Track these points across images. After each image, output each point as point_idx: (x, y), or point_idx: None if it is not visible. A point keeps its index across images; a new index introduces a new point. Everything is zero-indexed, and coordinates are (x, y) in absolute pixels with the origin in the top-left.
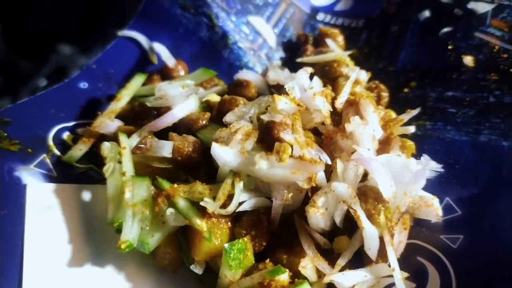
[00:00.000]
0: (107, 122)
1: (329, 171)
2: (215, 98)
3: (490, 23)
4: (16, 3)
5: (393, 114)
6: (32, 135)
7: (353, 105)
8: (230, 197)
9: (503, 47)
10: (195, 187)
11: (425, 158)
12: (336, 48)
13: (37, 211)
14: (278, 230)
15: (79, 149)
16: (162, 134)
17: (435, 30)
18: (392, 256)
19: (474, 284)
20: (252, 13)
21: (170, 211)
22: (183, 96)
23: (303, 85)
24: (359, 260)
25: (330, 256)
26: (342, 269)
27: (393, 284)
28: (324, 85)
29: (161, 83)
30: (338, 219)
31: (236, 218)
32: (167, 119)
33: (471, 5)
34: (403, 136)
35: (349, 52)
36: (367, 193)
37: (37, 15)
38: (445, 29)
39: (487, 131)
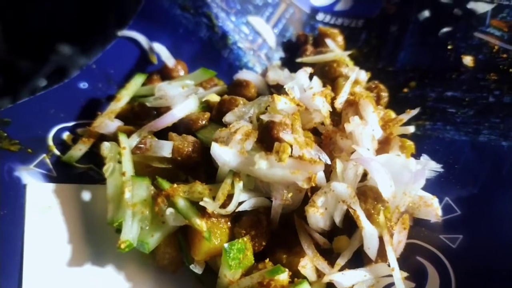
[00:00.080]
0: (107, 122)
1: (329, 171)
2: (214, 98)
3: (490, 23)
4: (16, 3)
5: (392, 114)
6: (32, 135)
7: (352, 105)
8: (229, 197)
9: (503, 47)
10: (195, 187)
11: (424, 158)
12: (335, 48)
13: (37, 211)
14: (277, 230)
15: (79, 149)
16: (162, 134)
17: (434, 30)
18: (392, 256)
19: (473, 283)
20: (252, 13)
21: (169, 211)
22: (182, 96)
23: (303, 85)
24: (359, 259)
25: (330, 255)
26: (341, 269)
27: (393, 283)
28: (324, 85)
29: (161, 83)
30: (337, 219)
31: (236, 218)
32: (167, 119)
33: (471, 5)
34: (403, 136)
35: (348, 52)
36: (366, 193)
37: (37, 15)
38: (445, 29)
39: (487, 131)
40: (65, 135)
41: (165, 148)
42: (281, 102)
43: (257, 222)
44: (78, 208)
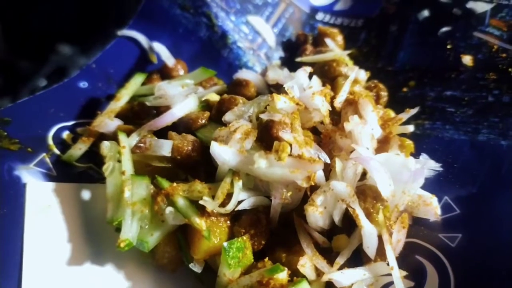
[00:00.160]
0: (107, 121)
1: (328, 170)
2: (214, 97)
3: (489, 22)
4: (16, 3)
5: (392, 113)
6: (32, 134)
7: (352, 104)
8: (229, 196)
9: (502, 47)
10: (194, 186)
11: (423, 157)
12: (335, 48)
13: (37, 210)
14: (277, 228)
15: (79, 148)
16: (162, 133)
17: (434, 29)
18: (391, 255)
19: (473, 282)
20: (252, 12)
21: (169, 210)
22: (182, 95)
23: (302, 85)
24: (358, 258)
25: (329, 254)
26: (340, 268)
27: (392, 282)
28: (323, 85)
29: (161, 83)
30: (337, 218)
31: (235, 217)
32: (167, 118)
33: (470, 5)
34: (402, 135)
35: (348, 52)
36: (365, 192)
37: (37, 15)
38: (444, 29)
39: (486, 130)
40: (65, 134)
41: (165, 147)
42: (280, 101)
43: (257, 221)
44: (78, 207)
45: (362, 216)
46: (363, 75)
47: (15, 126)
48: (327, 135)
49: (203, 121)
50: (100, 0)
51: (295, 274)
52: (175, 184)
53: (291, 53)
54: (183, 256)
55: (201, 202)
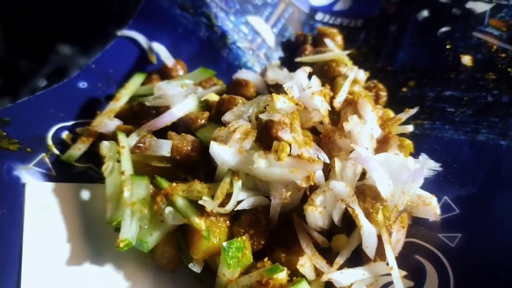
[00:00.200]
0: (106, 121)
1: (328, 170)
2: (214, 97)
3: (488, 22)
4: (16, 3)
5: (391, 113)
6: (31, 134)
7: (351, 104)
8: (228, 196)
9: (501, 47)
10: (194, 186)
11: (423, 157)
12: (334, 48)
13: (36, 210)
14: (276, 228)
15: (78, 148)
16: (161, 133)
17: (433, 29)
18: (390, 255)
19: (472, 282)
20: (251, 13)
21: (168, 210)
22: (182, 95)
23: (302, 85)
24: (357, 258)
25: (329, 254)
26: (340, 268)
27: (391, 282)
28: (323, 85)
29: (160, 83)
30: (336, 218)
31: (235, 216)
32: (166, 118)
33: (469, 5)
34: (401, 135)
35: (347, 52)
36: (365, 191)
37: (37, 15)
38: (444, 29)
39: (485, 130)
40: (65, 135)
41: (164, 147)
42: (280, 101)
43: (256, 221)
44: (77, 207)
45: (361, 216)
46: (362, 75)
47: (15, 126)
48: (327, 135)
49: (203, 121)
50: (100, 0)
51: (295, 274)
52: (174, 184)
53: (291, 53)
54: (183, 256)
55: (200, 202)
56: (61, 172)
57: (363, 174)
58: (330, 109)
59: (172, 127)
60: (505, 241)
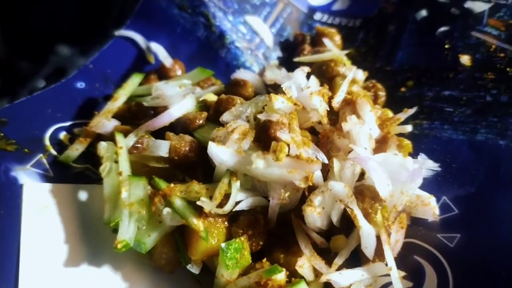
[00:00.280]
0: (104, 121)
1: (326, 170)
2: (212, 97)
3: (487, 22)
4: (16, 4)
5: (390, 113)
6: (29, 135)
7: (350, 104)
8: (227, 196)
9: (500, 46)
10: (192, 187)
11: (422, 157)
12: (333, 48)
13: (34, 211)
14: (275, 229)
15: (76, 149)
16: (159, 134)
17: (432, 29)
18: (389, 255)
19: (471, 282)
20: (249, 12)
21: (166, 210)
22: (180, 95)
23: (300, 85)
24: (356, 259)
25: (327, 255)
26: (339, 268)
27: (390, 283)
28: (321, 85)
29: (158, 83)
30: (335, 218)
31: (233, 217)
32: (164, 119)
33: (468, 4)
34: (400, 135)
35: (346, 52)
36: (364, 192)
37: (37, 15)
38: (442, 29)
39: (484, 130)
40: (62, 135)
41: (162, 148)
42: (278, 101)
43: (255, 221)
44: (75, 208)
45: (360, 217)
46: (361, 75)
47: (12, 126)
48: (325, 135)
49: (201, 122)
50: (100, 0)
51: (293, 275)
52: (172, 184)
53: (289, 53)
54: (181, 257)
55: (198, 203)
56: (59, 173)
57: (362, 175)
58: (328, 109)
59: (170, 127)
60: (504, 241)
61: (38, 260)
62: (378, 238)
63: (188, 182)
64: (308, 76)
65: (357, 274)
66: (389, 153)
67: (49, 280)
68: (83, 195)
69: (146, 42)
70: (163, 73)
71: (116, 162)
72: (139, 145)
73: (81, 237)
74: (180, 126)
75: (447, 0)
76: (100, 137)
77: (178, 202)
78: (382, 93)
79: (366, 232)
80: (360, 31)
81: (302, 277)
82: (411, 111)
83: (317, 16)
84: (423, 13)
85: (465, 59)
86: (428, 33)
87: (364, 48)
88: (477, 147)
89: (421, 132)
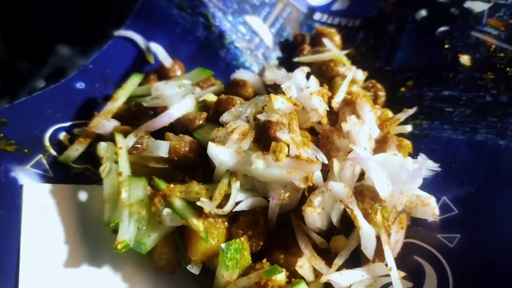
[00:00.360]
0: (104, 122)
1: (326, 171)
2: (211, 97)
3: (487, 22)
4: (16, 4)
5: (389, 114)
6: (29, 135)
7: (349, 104)
8: (226, 197)
9: (500, 46)
10: (192, 187)
11: (421, 157)
12: (333, 48)
13: (34, 211)
14: (275, 229)
15: (76, 149)
16: (159, 134)
17: (431, 29)
18: (389, 255)
19: (471, 283)
20: (249, 12)
21: (166, 211)
22: (179, 96)
23: (300, 85)
24: (356, 259)
25: (327, 255)
26: (339, 269)
27: (390, 283)
28: (321, 85)
29: (158, 83)
30: (335, 219)
31: (233, 218)
32: (164, 119)
33: (468, 4)
34: (400, 135)
35: (346, 52)
36: (363, 192)
37: (37, 15)
38: (442, 28)
39: (484, 130)
40: (62, 135)
41: (162, 148)
42: (278, 101)
43: (254, 222)
44: (75, 209)
45: (360, 217)
46: (360, 75)
47: (12, 127)
48: (325, 136)
49: (201, 122)
50: (100, 0)
51: (293, 275)
52: (172, 185)
53: (289, 53)
54: (181, 258)
55: (198, 203)
56: (59, 173)
57: (362, 175)
58: (328, 109)
59: (169, 127)
60: (504, 241)
61: (38, 261)
62: (378, 238)
63: (188, 182)
64: (307, 76)
65: (357, 274)
66: (389, 153)
67: (49, 281)
68: (83, 196)
69: (145, 42)
70: (162, 73)
71: (116, 162)
72: (139, 146)
73: (81, 237)
74: (179, 127)
75: (446, 0)
76: (100, 137)
77: (178, 203)
78: (381, 93)
79: (366, 232)
80: (360, 31)
81: (302, 278)
82: (411, 111)
83: (317, 16)
84: (423, 13)
85: (464, 59)
86: (427, 33)
87: (363, 48)
88: (477, 147)
89: (421, 132)
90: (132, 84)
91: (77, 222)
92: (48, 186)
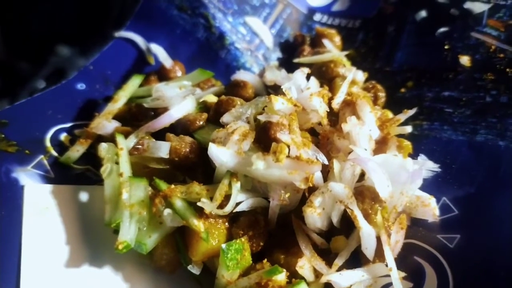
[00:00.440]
0: (104, 123)
1: (326, 171)
2: (212, 98)
3: (487, 23)
4: (16, 4)
5: (390, 114)
6: (30, 136)
7: (350, 105)
8: (227, 197)
9: (500, 47)
10: (192, 188)
11: (422, 158)
12: (333, 49)
13: (35, 212)
14: (275, 230)
15: (77, 150)
16: (159, 135)
17: (431, 30)
18: (389, 256)
19: (471, 283)
20: (249, 13)
21: (167, 211)
22: (180, 97)
23: (300, 86)
24: (356, 260)
25: (328, 256)
26: (339, 269)
27: (390, 283)
28: (321, 86)
29: (158, 84)
30: (335, 219)
31: (234, 218)
32: (164, 120)
33: (468, 5)
34: (400, 136)
35: (346, 53)
36: (364, 193)
37: (37, 15)
38: (442, 29)
39: (484, 130)
40: (63, 136)
41: (163, 149)
42: (278, 102)
43: (255, 222)
44: (76, 209)
45: (360, 217)
46: (360, 76)
47: (13, 128)
48: (325, 136)
49: (201, 123)
50: (100, 1)
51: (294, 276)
52: (173, 186)
53: (289, 54)
54: (181, 258)
55: (199, 204)
56: (60, 174)
57: (362, 175)
58: (328, 110)
59: (170, 128)
60: (504, 241)
61: (39, 261)
62: (378, 238)
63: (189, 183)
64: (308, 77)
65: (357, 274)
66: (389, 154)
67: (50, 281)
68: (84, 196)
69: (146, 43)
70: (163, 74)
71: (117, 163)
72: (140, 146)
73: (82, 238)
74: (180, 127)
75: (446, 1)
76: (100, 138)
77: (178, 203)
78: (382, 94)
79: (366, 233)
80: (360, 32)
81: (302, 278)
82: (411, 112)
83: (317, 17)
84: (423, 13)
85: (464, 60)
86: (427, 34)
87: (363, 49)
88: (476, 148)
89: (421, 133)
90: (132, 85)
91: (78, 222)
92: (49, 187)
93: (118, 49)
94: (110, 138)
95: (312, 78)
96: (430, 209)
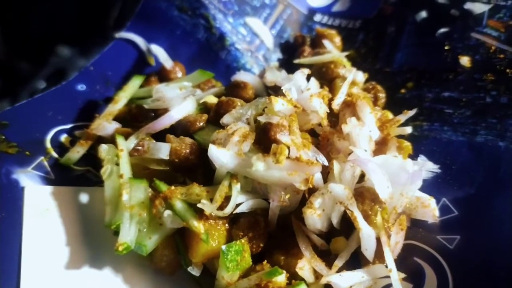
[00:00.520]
0: (105, 124)
1: (326, 172)
2: (212, 99)
3: (487, 23)
4: (16, 4)
5: (390, 115)
6: (30, 137)
7: (350, 106)
8: (227, 199)
9: (500, 48)
10: (193, 189)
11: (421, 158)
12: (333, 49)
13: (35, 213)
14: (275, 231)
15: (77, 152)
16: (160, 136)
17: (431, 30)
18: (389, 257)
19: (471, 284)
20: (249, 14)
21: (167, 213)
22: (180, 98)
23: (300, 87)
24: (356, 261)
25: (327, 257)
26: (339, 270)
27: (390, 285)
28: (321, 86)
29: (159, 85)
30: (335, 220)
31: (234, 219)
32: (165, 121)
33: (468, 6)
34: (400, 137)
35: (346, 53)
36: (364, 194)
37: (37, 15)
38: (442, 30)
39: (484, 131)
40: (63, 138)
41: (163, 150)
42: (278, 103)
43: (255, 223)
44: (76, 211)
45: (360, 219)
46: (361, 76)
47: (13, 129)
48: (325, 137)
49: (201, 124)
50: (100, 1)
51: (294, 277)
52: (173, 187)
53: (289, 55)
54: (181, 259)
55: (199, 205)
56: (60, 176)
57: (362, 177)
58: (328, 111)
59: (170, 129)
60: (504, 242)
61: (40, 263)
62: (378, 240)
63: (189, 184)
64: (308, 78)
65: (357, 276)
66: (389, 155)
67: (51, 282)
68: (84, 198)
69: (146, 44)
70: (163, 75)
71: (117, 164)
72: (140, 148)
73: (82, 239)
74: (180, 129)
75: (446, 1)
76: (101, 139)
77: (178, 205)
78: (382, 95)
79: (366, 234)
80: (360, 32)
81: (302, 279)
82: (411, 112)
83: (317, 17)
84: (423, 14)
85: (464, 60)
86: (427, 34)
87: (363, 49)
88: (476, 149)
89: (421, 133)
90: (133, 86)
91: (78, 224)
92: (49, 188)
93: (119, 50)
94: (111, 139)
95: (312, 79)
96: (430, 210)
